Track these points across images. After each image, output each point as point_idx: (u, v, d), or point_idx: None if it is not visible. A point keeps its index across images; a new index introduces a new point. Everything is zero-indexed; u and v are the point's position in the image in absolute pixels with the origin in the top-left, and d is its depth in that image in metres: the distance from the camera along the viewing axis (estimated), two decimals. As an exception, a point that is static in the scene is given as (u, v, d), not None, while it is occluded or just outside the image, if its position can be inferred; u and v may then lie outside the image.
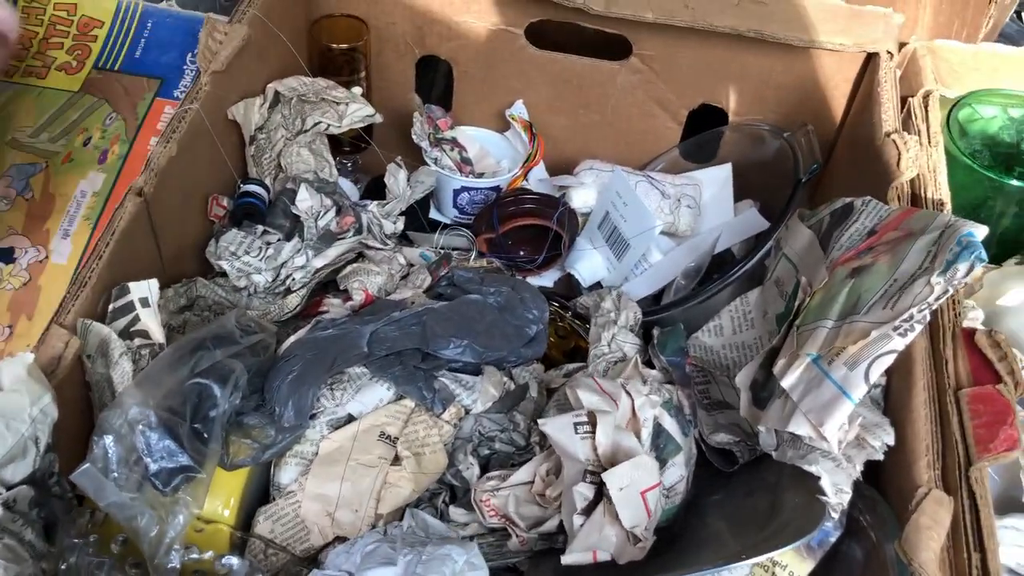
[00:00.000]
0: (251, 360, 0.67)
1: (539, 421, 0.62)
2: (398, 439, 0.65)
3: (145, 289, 0.63)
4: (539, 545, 0.63)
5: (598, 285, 0.95)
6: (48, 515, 0.55)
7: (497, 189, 0.97)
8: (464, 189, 0.96)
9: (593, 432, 0.60)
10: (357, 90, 0.92)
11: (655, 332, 0.77)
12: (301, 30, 0.94)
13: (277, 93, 0.85)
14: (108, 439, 0.56)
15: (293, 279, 0.77)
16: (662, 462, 0.63)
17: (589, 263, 0.95)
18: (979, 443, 0.54)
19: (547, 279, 0.96)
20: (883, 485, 0.59)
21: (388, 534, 0.57)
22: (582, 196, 0.95)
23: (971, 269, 0.54)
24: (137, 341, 0.62)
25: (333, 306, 0.79)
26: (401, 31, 0.97)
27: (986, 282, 0.71)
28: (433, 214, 1.01)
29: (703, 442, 0.68)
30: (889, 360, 0.54)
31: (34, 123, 0.78)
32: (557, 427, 0.61)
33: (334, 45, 0.93)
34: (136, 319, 0.63)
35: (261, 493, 0.67)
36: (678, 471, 0.63)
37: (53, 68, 0.81)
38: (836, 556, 0.57)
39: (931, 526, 0.51)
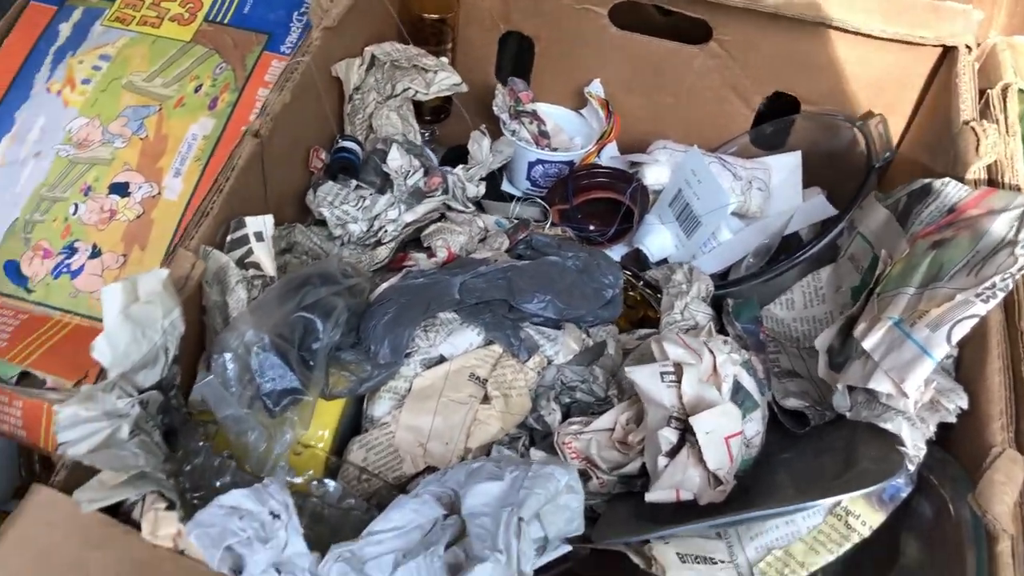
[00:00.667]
0: (350, 300, 0.71)
1: (626, 369, 0.65)
2: (487, 380, 0.69)
3: (260, 224, 0.67)
4: (617, 488, 0.66)
5: (665, 262, 0.98)
6: (169, 423, 0.58)
7: (571, 163, 1.01)
8: (539, 162, 1.00)
9: (678, 382, 0.63)
10: (444, 60, 0.96)
11: (729, 301, 0.80)
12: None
13: (373, 56, 0.89)
14: (227, 356, 0.60)
15: (385, 231, 0.81)
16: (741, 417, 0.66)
17: (658, 239, 0.98)
18: (1053, 408, 0.57)
19: (615, 253, 0.99)
20: (953, 449, 0.62)
21: (483, 462, 0.60)
22: (655, 173, 0.98)
23: (1054, 243, 0.57)
24: (251, 272, 0.66)
25: (419, 260, 0.83)
26: (488, 5, 1.00)
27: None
28: (505, 186, 1.05)
29: (776, 404, 0.71)
30: (971, 324, 0.57)
31: (148, 68, 0.82)
32: (644, 375, 0.64)
33: (426, 15, 0.97)
34: (250, 252, 0.66)
35: (353, 425, 0.71)
36: (755, 426, 0.66)
37: (167, 19, 0.85)
38: (906, 512, 0.60)
39: (1005, 482, 0.54)
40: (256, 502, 0.51)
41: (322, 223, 0.82)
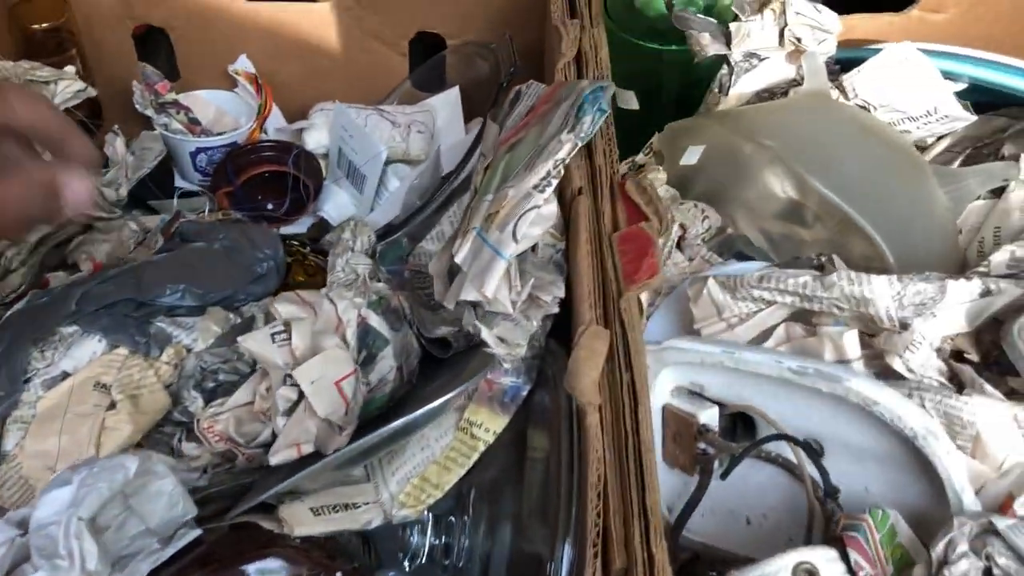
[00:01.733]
0: (-42, 340, 0.67)
1: (239, 339, 0.64)
2: (112, 386, 0.66)
3: None
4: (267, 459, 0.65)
5: (350, 223, 0.97)
6: None
7: (234, 145, 0.98)
8: (199, 150, 0.97)
9: (290, 339, 0.62)
10: (70, 69, 0.92)
11: (379, 247, 0.80)
12: (2, 15, 0.92)
13: (-25, 79, 0.84)
14: None
15: (7, 257, 0.77)
16: (372, 356, 0.66)
17: (336, 202, 0.97)
18: (626, 277, 0.58)
19: (301, 226, 0.98)
20: (570, 338, 0.63)
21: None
22: (315, 137, 0.97)
23: (595, 121, 0.59)
24: None
25: (59, 279, 0.79)
26: (107, 3, 0.96)
27: (662, 143, 0.76)
28: (179, 182, 1.01)
29: (422, 337, 0.71)
30: (532, 216, 0.58)
31: None
32: (256, 341, 0.63)
33: (35, 25, 0.92)
34: None
35: (-11, 468, 0.67)
36: (388, 362, 0.66)
37: None
38: (530, 407, 0.61)
39: (589, 356, 0.55)
40: None
41: (-61, 265, 0.77)
